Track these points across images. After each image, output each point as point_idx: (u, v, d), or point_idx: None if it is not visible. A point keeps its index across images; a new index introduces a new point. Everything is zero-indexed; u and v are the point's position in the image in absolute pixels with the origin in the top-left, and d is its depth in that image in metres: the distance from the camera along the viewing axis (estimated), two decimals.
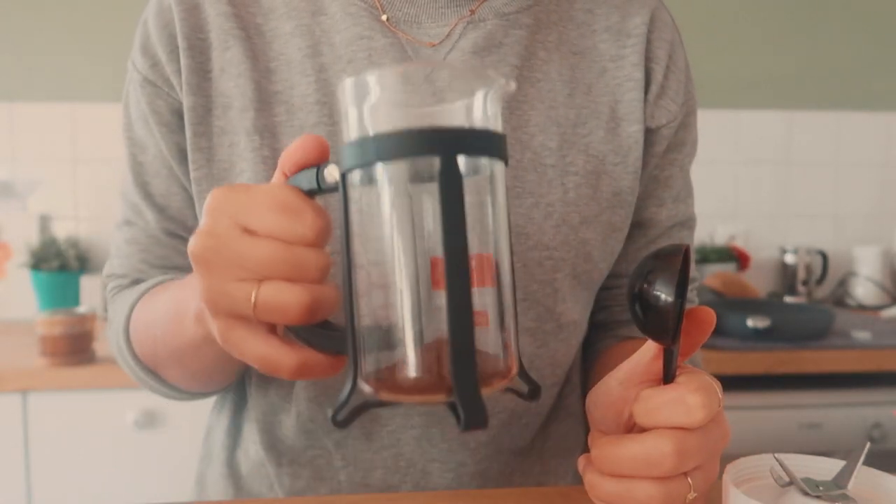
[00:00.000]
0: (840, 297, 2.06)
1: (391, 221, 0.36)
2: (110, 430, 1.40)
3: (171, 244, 0.65)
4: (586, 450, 0.72)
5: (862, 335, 1.57)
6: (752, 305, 1.73)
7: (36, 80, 1.90)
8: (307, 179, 0.39)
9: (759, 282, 2.09)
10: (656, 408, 0.42)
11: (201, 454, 0.76)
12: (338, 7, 0.60)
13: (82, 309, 1.45)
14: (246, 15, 0.60)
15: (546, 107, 0.61)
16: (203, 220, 0.39)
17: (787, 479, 0.42)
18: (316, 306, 0.37)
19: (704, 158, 2.13)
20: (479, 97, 0.36)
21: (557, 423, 0.70)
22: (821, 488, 0.41)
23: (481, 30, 0.60)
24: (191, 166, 0.60)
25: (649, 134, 0.65)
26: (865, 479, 0.42)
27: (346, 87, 0.36)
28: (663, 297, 0.40)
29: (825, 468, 0.43)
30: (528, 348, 0.62)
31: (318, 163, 0.39)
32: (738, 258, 2.01)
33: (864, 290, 2.03)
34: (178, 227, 0.64)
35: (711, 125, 2.10)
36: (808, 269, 2.02)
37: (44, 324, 1.35)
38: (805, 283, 2.02)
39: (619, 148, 0.63)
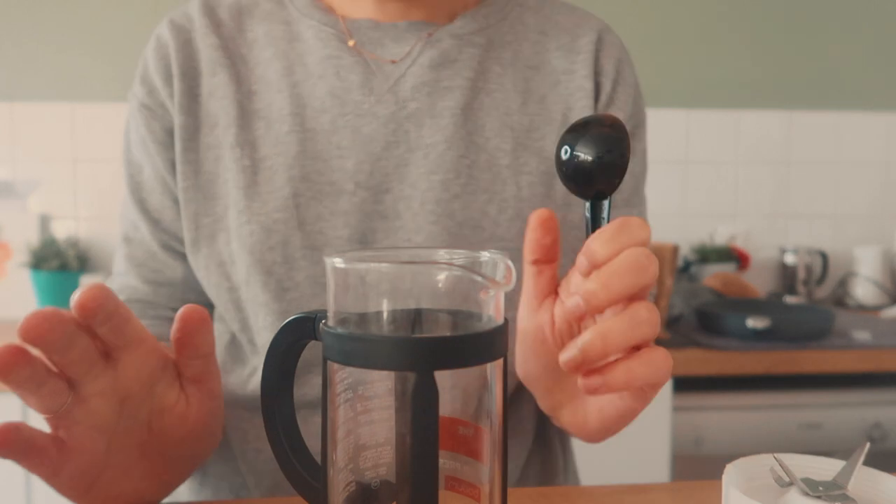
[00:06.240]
0: (840, 297, 2.06)
1: (376, 403, 0.38)
2: None
3: (163, 257, 0.70)
4: (540, 430, 0.74)
5: (862, 335, 1.57)
6: (752, 305, 1.73)
7: (36, 80, 1.90)
8: (304, 326, 0.40)
9: (759, 282, 2.09)
10: (614, 237, 0.42)
11: None
12: (311, 34, 0.68)
13: None
14: (232, 47, 0.69)
15: (501, 113, 0.68)
16: None
17: (787, 479, 0.42)
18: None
19: (704, 158, 2.13)
20: (471, 296, 0.36)
21: (516, 405, 0.72)
22: (821, 488, 0.41)
23: (437, 48, 0.67)
24: (179, 179, 0.67)
25: None
26: (865, 479, 0.42)
27: (333, 266, 0.36)
28: (582, 155, 0.44)
29: (825, 468, 0.43)
30: None
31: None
32: (738, 258, 2.01)
33: (864, 290, 2.03)
34: (170, 239, 0.70)
35: (711, 125, 2.10)
36: (808, 269, 2.02)
37: None
38: (805, 283, 2.02)
39: None
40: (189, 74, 0.67)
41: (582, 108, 0.69)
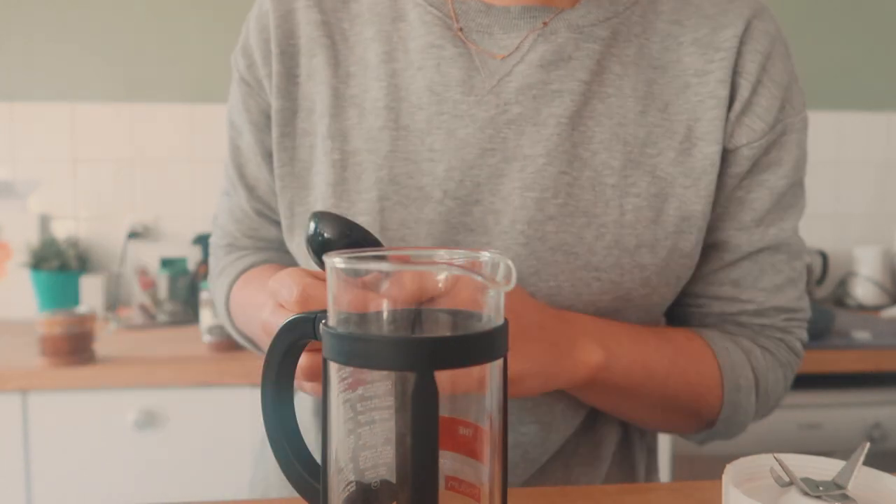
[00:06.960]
0: (840, 297, 2.06)
1: (377, 404, 0.38)
2: (110, 430, 1.40)
3: (258, 221, 0.72)
4: (618, 458, 0.70)
5: (862, 335, 1.57)
6: None
7: (36, 80, 1.90)
8: (304, 326, 0.40)
9: None
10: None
11: None
12: (416, 15, 0.62)
13: (82, 309, 1.45)
14: (334, 21, 0.64)
15: (614, 123, 0.60)
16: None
17: (787, 479, 0.42)
18: None
19: None
20: (472, 295, 0.36)
21: (595, 428, 0.67)
22: (821, 488, 0.41)
23: (552, 43, 0.60)
24: (275, 164, 0.65)
25: (727, 154, 0.62)
26: (865, 479, 0.42)
27: (333, 266, 0.36)
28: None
29: (825, 468, 0.43)
30: None
31: None
32: None
33: (864, 290, 2.03)
34: (264, 208, 0.71)
35: None
36: (808, 269, 2.02)
37: (44, 324, 1.35)
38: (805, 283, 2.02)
39: (692, 170, 0.60)
40: (288, 53, 0.64)
41: (710, 120, 0.60)
